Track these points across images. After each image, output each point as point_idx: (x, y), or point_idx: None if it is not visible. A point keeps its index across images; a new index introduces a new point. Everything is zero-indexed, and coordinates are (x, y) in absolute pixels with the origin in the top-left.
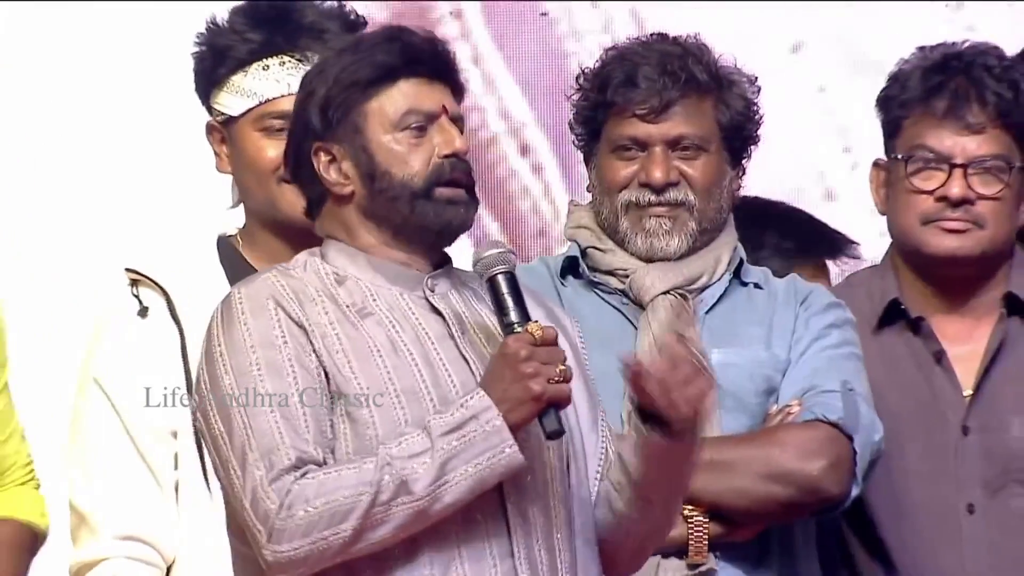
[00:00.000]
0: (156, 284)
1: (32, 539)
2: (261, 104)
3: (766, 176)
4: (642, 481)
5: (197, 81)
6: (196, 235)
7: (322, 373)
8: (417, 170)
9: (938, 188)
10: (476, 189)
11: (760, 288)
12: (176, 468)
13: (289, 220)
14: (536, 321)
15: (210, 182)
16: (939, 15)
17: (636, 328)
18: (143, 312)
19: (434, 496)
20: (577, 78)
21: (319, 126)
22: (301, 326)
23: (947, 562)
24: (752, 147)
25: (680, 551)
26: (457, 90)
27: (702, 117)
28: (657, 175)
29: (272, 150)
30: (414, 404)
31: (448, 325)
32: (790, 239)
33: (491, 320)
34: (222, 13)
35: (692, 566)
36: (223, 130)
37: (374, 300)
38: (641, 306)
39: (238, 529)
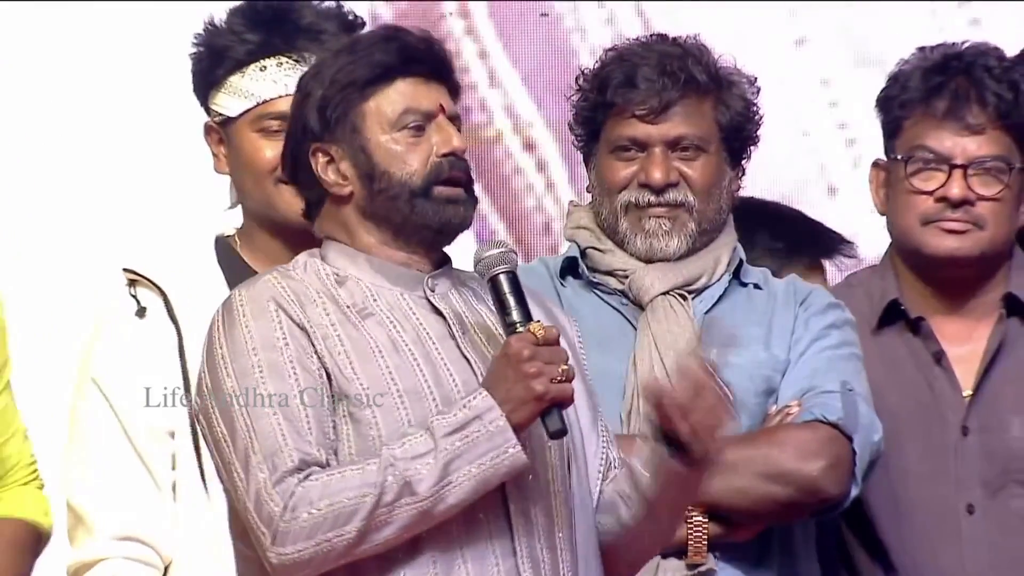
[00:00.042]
0: (154, 284)
1: (35, 539)
2: (259, 105)
3: (769, 172)
4: (655, 496)
5: (195, 82)
6: (194, 236)
7: (324, 374)
8: (416, 169)
9: (938, 189)
10: (479, 186)
11: (760, 289)
12: (174, 468)
13: (286, 220)
14: (538, 321)
15: (208, 183)
16: (942, 10)
17: (635, 328)
18: (141, 312)
19: (438, 497)
20: (577, 79)
21: (317, 127)
22: (302, 328)
23: (947, 562)
24: (752, 148)
25: (679, 551)
26: (454, 89)
27: (701, 118)
28: (657, 176)
29: (269, 151)
30: (416, 404)
31: (449, 325)
32: (781, 239)
33: (491, 320)
34: (220, 14)
35: (691, 566)
36: (221, 131)
37: (375, 300)
38: (640, 307)
39: (241, 530)
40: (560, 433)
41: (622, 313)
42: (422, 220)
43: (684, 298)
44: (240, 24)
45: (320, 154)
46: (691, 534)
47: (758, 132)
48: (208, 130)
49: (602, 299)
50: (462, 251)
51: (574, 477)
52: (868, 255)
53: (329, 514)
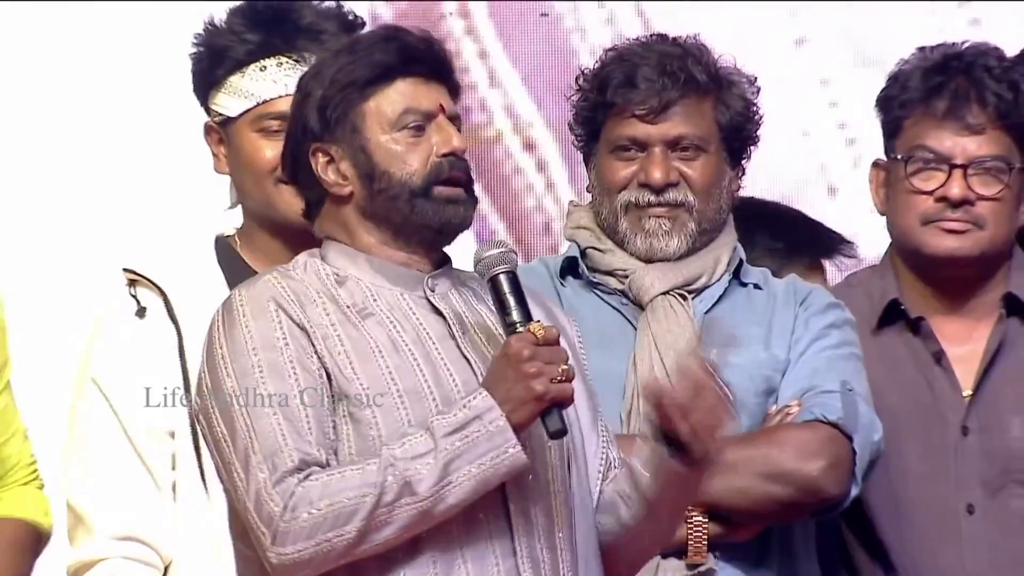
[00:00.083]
0: (154, 284)
1: (35, 539)
2: (258, 105)
3: (770, 172)
4: (653, 497)
5: (195, 82)
6: (194, 236)
7: (324, 374)
8: (416, 169)
9: (938, 188)
10: (480, 186)
11: (759, 288)
12: (173, 468)
13: (286, 220)
14: (538, 321)
15: (208, 183)
16: (942, 9)
17: (635, 328)
18: (141, 312)
19: (438, 497)
20: (576, 79)
21: (317, 127)
22: (302, 328)
23: (947, 562)
24: (752, 147)
25: (679, 551)
26: (453, 89)
27: (701, 117)
28: (656, 175)
29: (269, 151)
30: (417, 404)
31: (449, 325)
32: (780, 239)
33: (491, 320)
34: (220, 14)
35: (691, 566)
36: (221, 131)
37: (375, 300)
38: (640, 306)
39: (241, 530)
40: (560, 433)
41: (622, 313)
42: (422, 220)
43: (684, 298)
44: (240, 24)
45: (320, 154)
46: (691, 534)
47: (758, 132)
48: (208, 130)
49: (602, 299)
50: (462, 251)
51: (574, 477)
52: (868, 255)
53: (329, 514)
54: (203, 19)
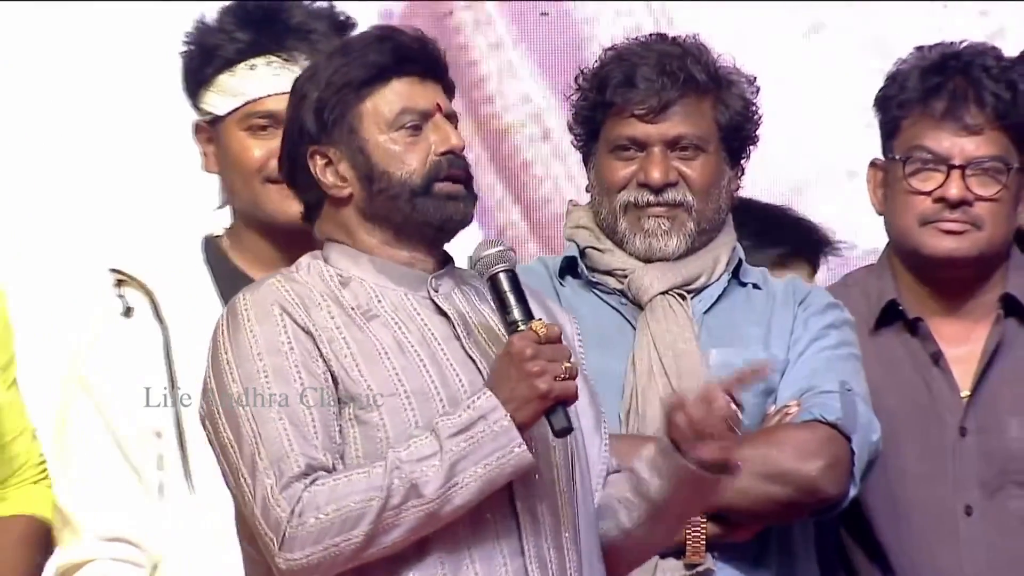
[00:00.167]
0: (141, 284)
1: (46, 536)
2: (247, 104)
3: (788, 157)
4: (662, 502)
5: (185, 80)
6: (182, 236)
7: (329, 378)
8: (415, 168)
9: (936, 189)
10: (496, 176)
11: (759, 288)
12: (160, 469)
13: (273, 220)
14: (540, 319)
15: (197, 182)
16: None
17: (634, 328)
18: (128, 312)
19: (444, 498)
20: (576, 78)
21: (314, 129)
22: (307, 331)
23: (945, 563)
24: (751, 147)
25: (678, 551)
26: (449, 88)
27: (701, 117)
28: (655, 175)
29: (258, 150)
30: (424, 405)
31: (453, 326)
32: (749, 237)
33: (494, 320)
34: (211, 13)
35: (690, 566)
36: (210, 130)
37: (379, 302)
38: (640, 306)
39: (248, 534)
40: (566, 431)
41: (621, 313)
42: (423, 218)
43: (683, 298)
44: (231, 23)
45: (318, 157)
46: (689, 534)
47: (757, 132)
48: (197, 129)
49: (601, 299)
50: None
51: (577, 476)
52: (847, 255)
53: (336, 518)
54: (193, 18)
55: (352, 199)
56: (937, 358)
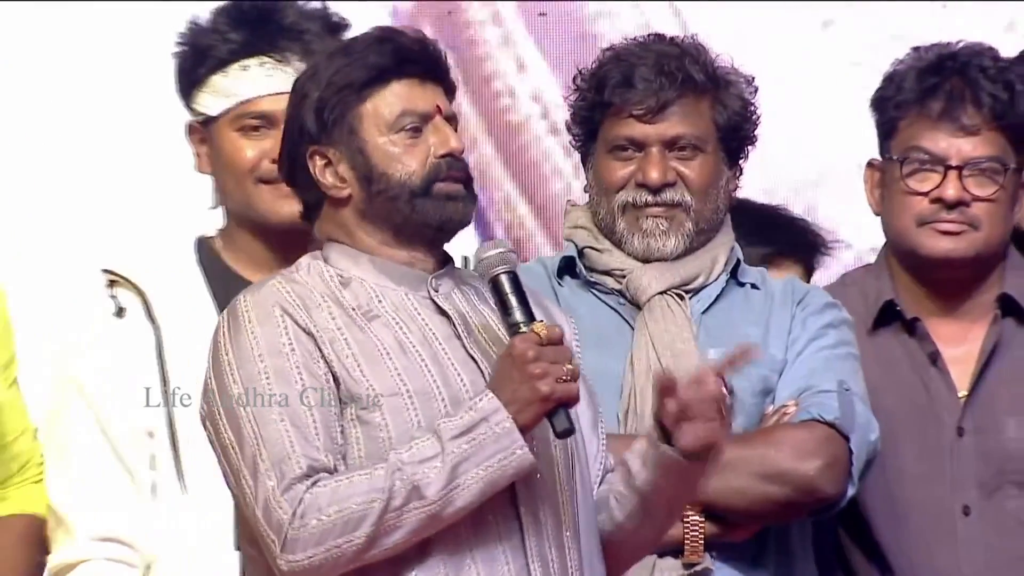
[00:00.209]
0: (133, 285)
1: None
2: (240, 104)
3: (800, 152)
4: (649, 492)
5: (178, 81)
6: (175, 236)
7: (331, 379)
8: (414, 170)
9: (933, 190)
10: (508, 173)
11: (757, 288)
12: (153, 469)
13: (265, 221)
14: (541, 320)
15: (190, 183)
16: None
17: (633, 328)
18: (120, 313)
19: (446, 500)
20: (574, 78)
21: (314, 130)
22: (309, 332)
23: (943, 563)
24: (749, 147)
25: (676, 551)
26: (450, 89)
27: (699, 117)
28: (654, 175)
29: (250, 150)
30: (426, 405)
31: (454, 325)
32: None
33: (493, 320)
34: (204, 14)
35: (688, 565)
36: (202, 130)
37: (379, 302)
38: (638, 306)
39: (249, 534)
40: (567, 433)
41: (619, 313)
42: (423, 219)
43: (681, 298)
44: (224, 23)
45: (318, 157)
46: (687, 533)
47: (756, 132)
48: (190, 129)
49: (599, 299)
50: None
51: (577, 475)
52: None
53: (338, 520)
54: (187, 19)
55: (351, 200)
56: (935, 358)
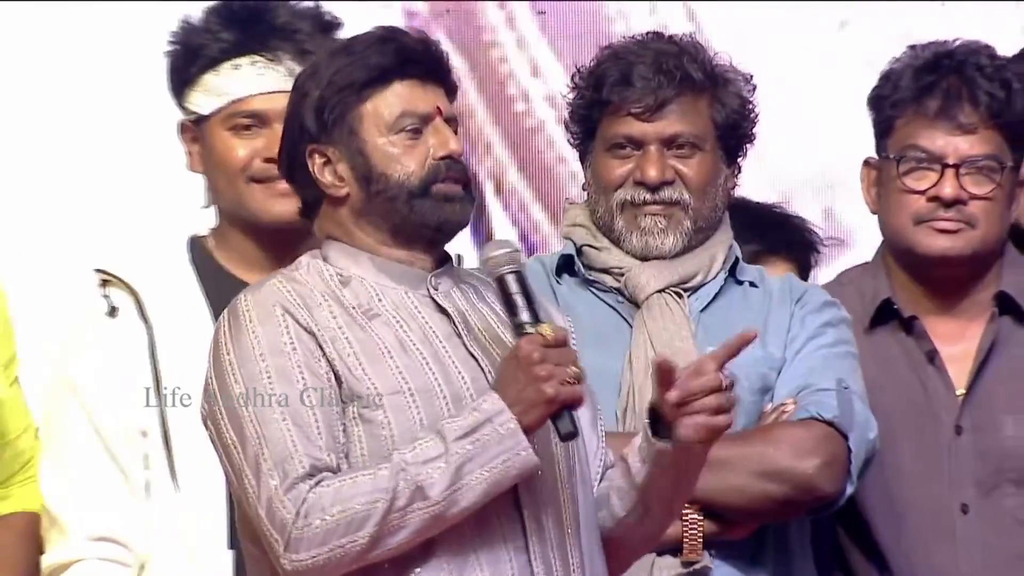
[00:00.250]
0: (126, 284)
1: None
2: (231, 103)
3: (817, 151)
4: (647, 486)
5: (170, 80)
6: (167, 235)
7: (332, 377)
8: (413, 171)
9: (930, 188)
10: (522, 176)
11: (755, 286)
12: (146, 468)
13: (257, 220)
14: (548, 322)
15: (183, 182)
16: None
17: (631, 326)
18: (112, 312)
19: (450, 500)
20: (572, 76)
21: (314, 128)
22: (310, 331)
23: (941, 562)
24: (748, 145)
25: (675, 549)
26: (451, 90)
27: (697, 116)
28: (652, 174)
29: (241, 149)
30: (428, 403)
31: (454, 324)
32: (756, 237)
33: (493, 318)
34: (196, 13)
35: (687, 564)
36: (194, 129)
37: (379, 300)
38: (636, 304)
39: (251, 533)
40: (571, 436)
41: (618, 311)
42: (420, 219)
43: (680, 296)
44: (216, 22)
45: (317, 155)
46: (686, 532)
47: (754, 130)
48: (182, 128)
49: (598, 297)
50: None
51: (577, 474)
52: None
53: (342, 520)
54: (179, 18)
55: (349, 199)
56: (932, 357)
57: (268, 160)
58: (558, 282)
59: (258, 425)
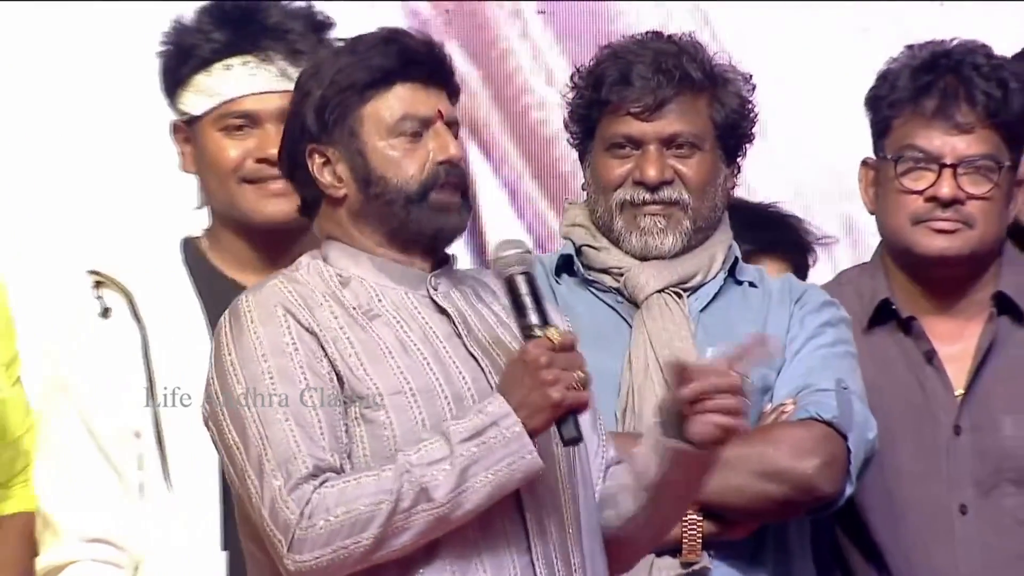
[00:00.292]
0: (119, 285)
1: None
2: (223, 104)
3: (836, 153)
4: (659, 485)
5: (163, 80)
6: (160, 236)
7: (334, 378)
8: (412, 175)
9: (928, 188)
10: (538, 185)
11: (755, 287)
12: (140, 469)
13: (249, 220)
14: (556, 326)
15: (176, 183)
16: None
17: (630, 326)
18: (105, 313)
19: (455, 503)
20: (572, 76)
21: (314, 128)
22: (311, 332)
23: (940, 562)
24: (747, 145)
25: (674, 549)
26: (453, 93)
27: (696, 115)
28: (651, 173)
29: (233, 150)
30: (429, 403)
31: (454, 324)
32: (752, 237)
33: (492, 319)
34: (188, 14)
35: (686, 564)
36: (187, 129)
37: (380, 301)
38: (636, 304)
39: (253, 534)
40: (575, 441)
41: (617, 311)
42: (417, 227)
43: (679, 296)
44: (208, 23)
45: (316, 155)
46: (685, 532)
47: (753, 130)
48: (174, 129)
49: (597, 297)
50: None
51: (579, 475)
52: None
53: (346, 521)
54: (171, 18)
55: (347, 200)
56: (931, 357)
57: (260, 160)
58: (557, 282)
59: (261, 426)
